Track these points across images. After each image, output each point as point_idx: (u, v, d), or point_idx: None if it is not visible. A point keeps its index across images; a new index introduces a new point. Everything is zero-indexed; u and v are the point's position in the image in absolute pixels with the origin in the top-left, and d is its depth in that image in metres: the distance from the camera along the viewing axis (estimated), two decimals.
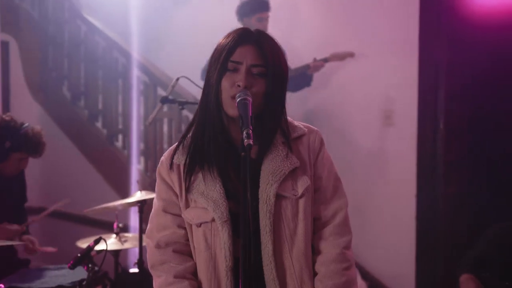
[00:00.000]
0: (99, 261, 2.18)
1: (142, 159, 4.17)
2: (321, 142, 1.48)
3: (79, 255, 2.07)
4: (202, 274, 1.38)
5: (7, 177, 2.81)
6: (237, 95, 1.32)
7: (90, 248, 2.06)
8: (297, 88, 3.86)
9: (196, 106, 1.47)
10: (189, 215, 1.39)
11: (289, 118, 1.47)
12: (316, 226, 1.43)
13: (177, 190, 1.41)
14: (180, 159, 1.42)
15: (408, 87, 3.74)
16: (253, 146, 1.34)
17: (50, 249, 2.94)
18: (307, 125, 1.49)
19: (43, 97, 4.77)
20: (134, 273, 3.07)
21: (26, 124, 2.77)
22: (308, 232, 1.40)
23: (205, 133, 1.39)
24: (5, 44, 4.72)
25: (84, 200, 4.40)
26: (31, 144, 2.75)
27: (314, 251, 1.42)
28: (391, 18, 3.82)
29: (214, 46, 1.43)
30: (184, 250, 1.43)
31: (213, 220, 1.36)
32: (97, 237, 2.10)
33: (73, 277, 2.20)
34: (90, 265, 2.09)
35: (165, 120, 3.93)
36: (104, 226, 3.83)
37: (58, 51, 4.68)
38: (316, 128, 1.49)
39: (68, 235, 3.39)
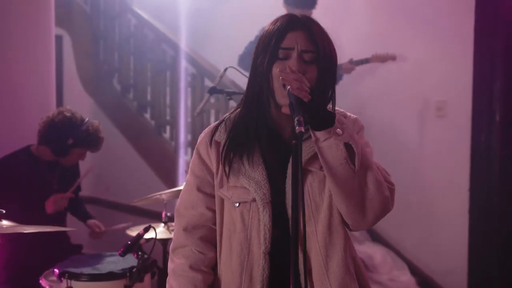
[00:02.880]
0: (148, 249, 2.21)
1: (189, 150, 4.22)
2: (361, 128, 1.45)
3: (129, 242, 2.10)
4: (235, 256, 1.37)
5: (65, 167, 2.90)
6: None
7: (140, 236, 2.08)
8: None
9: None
10: (228, 194, 1.37)
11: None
12: None
13: (214, 167, 1.40)
14: (221, 137, 1.40)
15: (462, 78, 3.61)
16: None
17: (121, 226, 2.99)
18: (349, 113, 1.47)
19: (94, 89, 4.88)
20: None
21: (86, 119, 2.85)
22: (335, 207, 1.35)
23: (252, 118, 1.38)
24: (59, 38, 4.86)
25: (133, 190, 4.50)
26: (92, 140, 2.84)
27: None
28: (446, 6, 3.69)
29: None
30: (210, 236, 1.43)
31: (253, 200, 1.34)
32: (146, 225, 2.12)
33: (123, 264, 2.24)
34: (140, 253, 2.11)
35: (212, 112, 3.95)
36: (151, 215, 3.90)
37: (109, 44, 4.78)
38: (356, 116, 1.47)
39: (117, 223, 3.46)
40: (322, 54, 1.33)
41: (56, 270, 2.17)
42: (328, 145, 1.24)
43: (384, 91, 4.00)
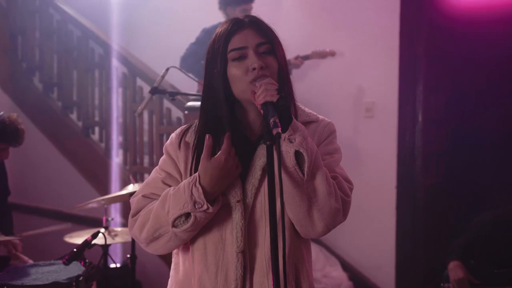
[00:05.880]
0: (87, 256, 2.11)
1: (120, 152, 4.08)
2: (331, 133, 1.44)
3: (75, 250, 2.00)
4: (210, 255, 1.34)
5: None
6: (258, 81, 1.29)
7: (87, 243, 1.99)
8: None
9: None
10: None
11: (299, 104, 1.44)
12: None
13: (182, 167, 1.38)
14: (191, 137, 1.40)
15: (389, 80, 3.79)
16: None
17: (27, 259, 2.77)
18: (322, 117, 1.47)
19: (12, 88, 4.58)
20: (114, 268, 3.01)
21: (1, 113, 2.66)
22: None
23: (214, 122, 1.36)
24: None
25: (58, 194, 4.27)
26: (10, 133, 2.65)
27: None
28: (373, 13, 3.86)
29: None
30: None
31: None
32: (95, 230, 2.03)
33: (66, 273, 2.11)
34: (87, 261, 2.01)
35: (145, 112, 3.84)
36: (79, 221, 3.74)
37: (28, 41, 4.50)
38: (330, 120, 1.46)
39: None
40: (276, 44, 1.35)
41: None
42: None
43: (313, 93, 4.10)
